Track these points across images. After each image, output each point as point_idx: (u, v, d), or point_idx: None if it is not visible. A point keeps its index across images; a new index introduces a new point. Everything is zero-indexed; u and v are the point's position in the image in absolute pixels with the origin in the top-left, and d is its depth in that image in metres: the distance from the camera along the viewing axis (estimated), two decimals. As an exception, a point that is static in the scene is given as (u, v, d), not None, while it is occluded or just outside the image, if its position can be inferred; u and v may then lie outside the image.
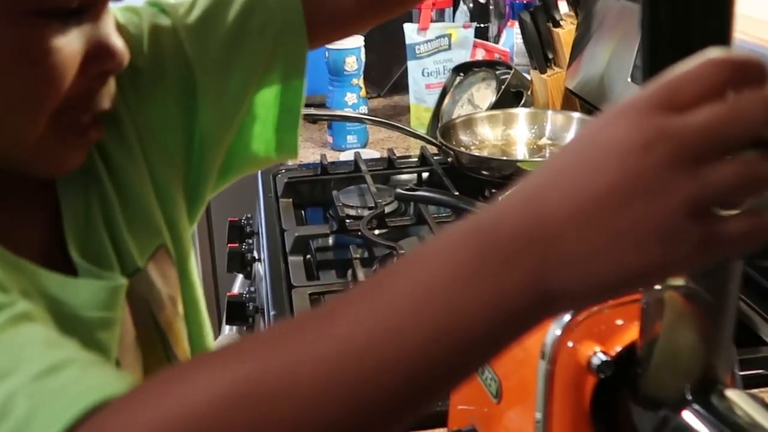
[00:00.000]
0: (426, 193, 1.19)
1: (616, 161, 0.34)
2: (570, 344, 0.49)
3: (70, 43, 0.51)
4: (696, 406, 0.44)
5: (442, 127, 1.42)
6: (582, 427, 0.50)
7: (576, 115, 1.45)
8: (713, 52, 0.35)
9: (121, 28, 0.58)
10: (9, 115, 0.52)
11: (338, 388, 0.34)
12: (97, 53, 0.53)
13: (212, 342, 0.70)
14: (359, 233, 1.16)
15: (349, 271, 1.07)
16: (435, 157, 1.42)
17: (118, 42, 0.54)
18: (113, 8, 0.57)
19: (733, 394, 0.45)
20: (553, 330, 0.50)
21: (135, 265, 0.61)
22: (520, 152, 1.43)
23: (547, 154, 1.41)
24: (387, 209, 1.24)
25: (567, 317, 0.50)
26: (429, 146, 1.45)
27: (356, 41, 1.56)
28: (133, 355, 0.59)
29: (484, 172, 1.30)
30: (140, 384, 0.37)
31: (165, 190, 0.65)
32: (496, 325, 0.35)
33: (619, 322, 0.50)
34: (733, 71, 0.34)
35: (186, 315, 0.66)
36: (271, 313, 0.98)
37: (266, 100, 0.70)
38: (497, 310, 0.35)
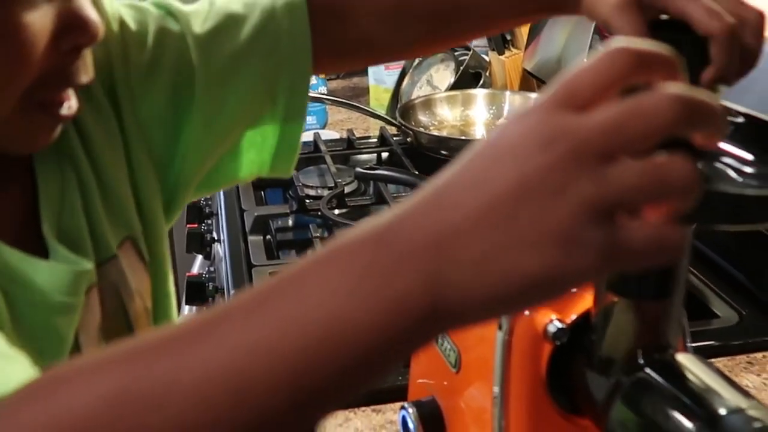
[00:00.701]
0: (386, 172, 1.20)
1: (515, 160, 0.32)
2: (526, 313, 0.51)
3: (40, 18, 0.49)
4: (648, 370, 0.45)
5: (401, 107, 1.42)
6: (539, 394, 0.51)
7: (534, 95, 1.46)
8: (618, 42, 0.33)
9: (98, 6, 0.56)
10: None
11: (215, 406, 0.32)
12: (70, 26, 0.51)
13: None
14: (319, 213, 1.16)
15: (310, 251, 1.07)
16: (394, 138, 1.43)
17: (91, 13, 0.52)
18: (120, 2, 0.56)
19: (684, 358, 0.46)
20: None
21: (110, 251, 0.60)
22: (479, 132, 1.45)
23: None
24: (347, 189, 1.25)
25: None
26: (388, 127, 1.45)
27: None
28: (95, 344, 0.58)
29: (443, 152, 1.31)
30: (28, 384, 0.34)
31: (142, 184, 0.64)
32: (385, 339, 0.33)
33: (574, 290, 0.51)
34: (637, 62, 0.32)
35: (156, 313, 0.65)
36: (232, 292, 0.98)
37: (266, 125, 0.70)
38: (385, 321, 0.32)
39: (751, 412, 0.40)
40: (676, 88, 0.32)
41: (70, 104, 0.54)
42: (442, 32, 0.72)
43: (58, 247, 0.55)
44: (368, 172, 1.18)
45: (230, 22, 0.67)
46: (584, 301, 0.50)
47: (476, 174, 0.33)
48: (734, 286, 0.95)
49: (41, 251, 0.56)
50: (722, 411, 0.41)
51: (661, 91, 0.32)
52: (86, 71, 0.55)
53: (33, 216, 0.57)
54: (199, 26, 0.66)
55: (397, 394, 0.79)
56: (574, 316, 0.50)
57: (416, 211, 0.34)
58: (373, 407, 0.78)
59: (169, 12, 0.66)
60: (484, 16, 0.70)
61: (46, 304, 0.53)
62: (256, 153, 0.71)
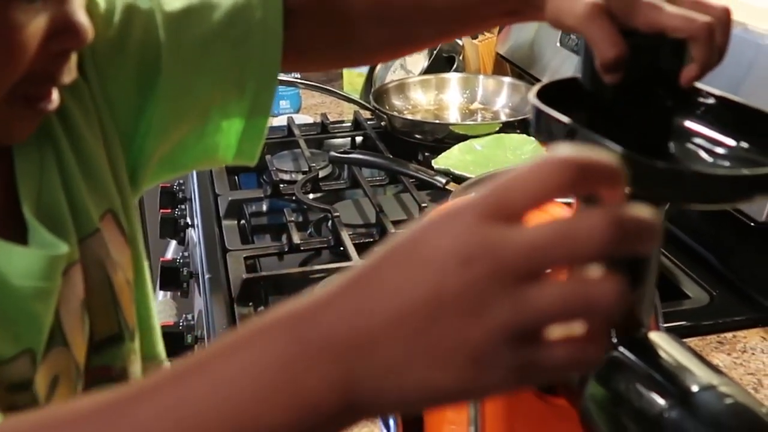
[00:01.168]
0: (360, 156, 1.19)
1: (435, 274, 0.31)
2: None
3: (34, 20, 0.50)
4: (621, 349, 0.46)
5: (375, 91, 1.42)
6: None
7: (507, 79, 1.47)
8: (561, 150, 0.31)
9: (89, 2, 0.56)
10: None
11: None
12: (61, 30, 0.52)
13: (155, 313, 0.70)
14: (294, 197, 1.16)
15: (284, 235, 1.07)
16: (368, 122, 1.43)
17: (83, 18, 0.53)
18: None
19: (656, 337, 0.46)
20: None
21: (93, 224, 0.60)
22: (453, 116, 1.45)
23: (479, 119, 1.43)
24: (321, 173, 1.25)
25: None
26: (362, 111, 1.45)
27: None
28: (77, 318, 0.58)
29: (417, 136, 1.32)
30: None
31: (116, 158, 0.64)
32: (300, 428, 0.33)
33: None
34: (578, 176, 0.31)
35: (134, 284, 0.65)
36: (206, 276, 0.98)
37: (232, 113, 0.70)
38: (300, 414, 0.32)
39: (723, 389, 0.41)
40: (614, 209, 0.31)
41: (53, 99, 0.55)
42: (404, 38, 0.74)
43: (37, 227, 0.55)
44: (342, 156, 1.18)
45: (203, 5, 0.67)
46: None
47: (396, 280, 0.32)
48: (705, 267, 0.96)
49: (21, 232, 0.55)
50: (694, 388, 0.41)
51: (597, 214, 0.30)
52: (70, 71, 0.56)
53: (13, 197, 0.57)
54: (170, 5, 0.66)
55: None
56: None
57: (335, 307, 0.33)
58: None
59: None
60: (448, 21, 0.71)
61: (21, 290, 0.53)
62: (221, 137, 0.71)
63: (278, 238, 1.14)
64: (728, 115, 0.50)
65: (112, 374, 0.61)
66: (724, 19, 0.51)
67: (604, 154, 0.32)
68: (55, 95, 0.55)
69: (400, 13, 0.71)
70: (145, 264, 0.68)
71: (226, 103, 0.69)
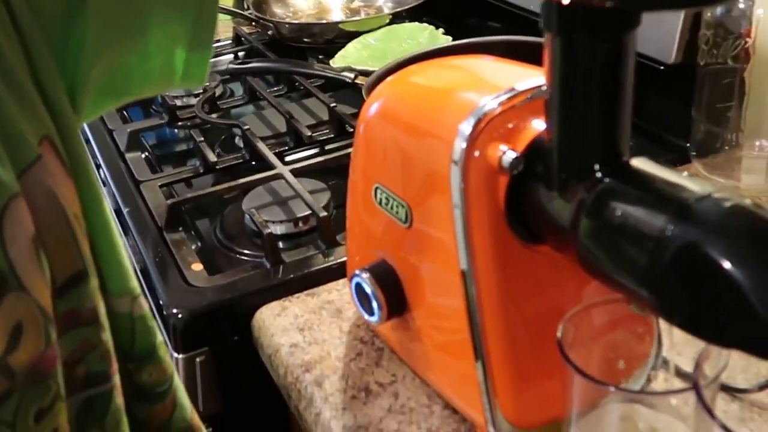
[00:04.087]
0: (261, 64, 1.15)
1: None
2: (477, 153, 0.50)
3: None
4: (607, 180, 0.46)
5: (254, 2, 1.37)
6: (500, 227, 0.51)
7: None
8: None
9: None
10: None
11: None
12: None
13: (122, 247, 0.64)
14: (197, 120, 1.11)
15: (195, 159, 1.03)
16: (251, 35, 1.38)
17: None
18: None
19: (639, 162, 0.47)
20: (459, 143, 0.51)
21: (33, 151, 0.54)
22: (336, 17, 1.42)
23: (362, 15, 1.41)
24: (216, 92, 1.20)
25: (467, 130, 0.51)
26: (242, 27, 1.40)
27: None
28: (31, 257, 0.53)
29: (305, 40, 1.28)
30: None
31: (45, 77, 0.58)
32: None
33: (511, 124, 0.51)
34: None
35: (89, 221, 0.60)
36: (125, 210, 0.94)
37: (174, 31, 0.64)
38: None
39: (718, 195, 0.42)
40: None
41: None
42: None
43: None
44: (241, 66, 1.14)
45: None
46: (530, 131, 0.51)
47: None
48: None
49: None
50: (691, 199, 0.42)
51: None
52: None
53: None
54: None
55: (328, 275, 0.79)
56: (525, 144, 0.50)
57: None
58: (306, 292, 0.77)
59: None
60: None
61: None
62: (165, 57, 0.66)
63: (184, 163, 1.10)
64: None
65: (81, 319, 0.57)
66: None
67: None
68: None
69: None
70: (101, 194, 0.63)
71: (167, 19, 0.64)
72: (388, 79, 0.63)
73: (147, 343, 0.52)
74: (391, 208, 0.57)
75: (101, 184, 0.64)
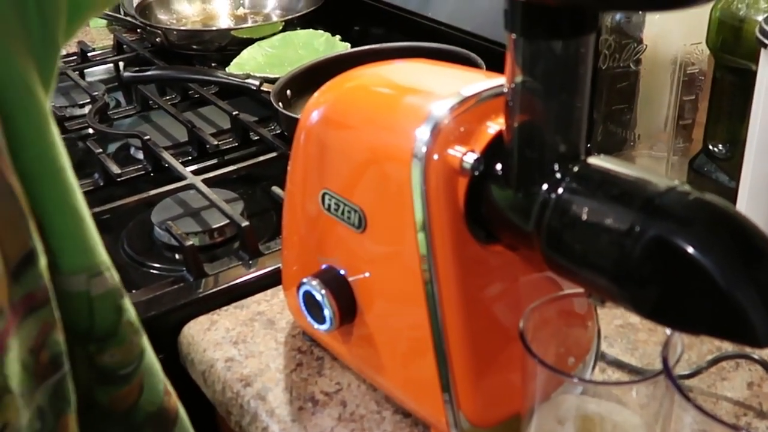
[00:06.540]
0: (161, 72, 1.11)
1: None
2: (436, 156, 0.51)
3: None
4: (568, 179, 0.47)
5: (138, 7, 1.32)
6: (460, 228, 0.51)
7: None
8: None
9: None
10: None
11: None
12: None
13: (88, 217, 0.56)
14: (90, 131, 1.06)
15: (94, 172, 0.98)
16: (133, 42, 1.33)
17: None
18: None
19: (597, 160, 0.49)
20: (418, 147, 0.51)
21: None
22: (224, 24, 1.39)
23: (249, 22, 1.39)
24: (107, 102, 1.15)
25: (425, 134, 0.51)
26: (124, 35, 1.35)
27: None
28: None
29: (195, 47, 1.25)
30: None
31: None
32: None
33: (463, 128, 0.51)
34: None
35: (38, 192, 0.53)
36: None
37: None
38: None
39: (682, 188, 0.44)
40: None
41: None
42: None
43: None
44: (139, 75, 1.09)
45: None
46: (487, 132, 0.51)
47: None
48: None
49: None
50: (655, 194, 0.44)
51: None
52: None
53: None
54: None
55: (255, 286, 0.77)
56: (483, 145, 0.51)
57: None
58: (234, 305, 0.75)
59: None
60: None
61: None
62: None
63: (90, 174, 1.05)
64: None
65: (37, 301, 0.51)
66: None
67: None
68: None
69: None
70: (61, 152, 0.54)
71: None
72: (324, 86, 0.62)
73: (109, 322, 0.47)
74: (342, 213, 0.57)
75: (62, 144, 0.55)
